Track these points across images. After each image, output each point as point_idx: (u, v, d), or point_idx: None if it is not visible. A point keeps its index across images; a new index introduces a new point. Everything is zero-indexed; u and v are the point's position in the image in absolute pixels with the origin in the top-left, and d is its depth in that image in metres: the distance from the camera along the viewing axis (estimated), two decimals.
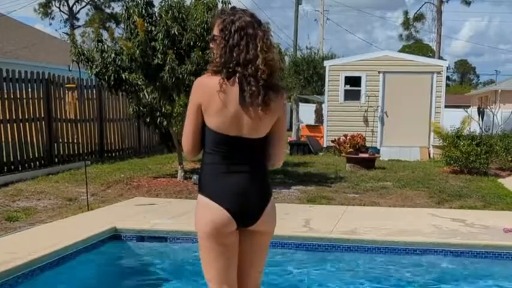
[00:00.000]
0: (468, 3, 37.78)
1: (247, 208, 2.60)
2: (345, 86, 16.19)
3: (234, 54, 2.49)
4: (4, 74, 9.84)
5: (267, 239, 2.78)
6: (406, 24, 42.03)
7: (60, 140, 11.42)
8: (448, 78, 47.42)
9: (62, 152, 11.39)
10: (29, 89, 10.51)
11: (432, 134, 14.51)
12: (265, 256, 2.84)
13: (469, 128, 12.15)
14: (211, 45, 2.66)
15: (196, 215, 2.66)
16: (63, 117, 11.52)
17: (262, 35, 2.54)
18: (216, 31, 2.60)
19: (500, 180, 10.71)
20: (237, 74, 2.49)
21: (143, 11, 8.81)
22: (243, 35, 2.51)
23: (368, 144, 14.94)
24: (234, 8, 2.65)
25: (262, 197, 2.66)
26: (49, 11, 47.19)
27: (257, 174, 2.65)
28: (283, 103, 2.64)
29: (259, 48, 2.50)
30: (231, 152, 2.58)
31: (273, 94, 2.54)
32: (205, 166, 2.63)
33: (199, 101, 2.55)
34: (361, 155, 12.62)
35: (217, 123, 2.54)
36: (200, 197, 2.64)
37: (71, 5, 46.54)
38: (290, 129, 24.29)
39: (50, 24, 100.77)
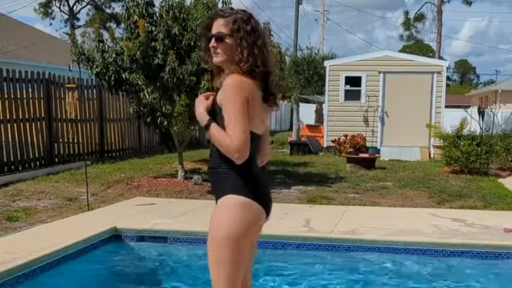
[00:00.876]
0: (469, 3, 37.74)
1: (270, 204, 2.81)
2: (345, 86, 16.19)
3: (257, 54, 2.56)
4: (4, 74, 9.84)
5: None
6: (407, 24, 42.01)
7: (61, 140, 11.42)
8: (448, 78, 47.50)
9: (62, 152, 11.39)
10: (29, 89, 10.51)
11: (432, 133, 14.52)
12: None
13: (469, 128, 12.14)
14: (213, 43, 2.61)
15: (230, 216, 2.57)
16: (64, 117, 11.52)
17: (266, 36, 2.68)
18: (225, 30, 2.58)
19: (500, 180, 10.71)
20: (262, 74, 2.59)
21: (143, 11, 8.80)
22: (258, 35, 2.59)
23: (368, 144, 14.93)
24: (231, 7, 2.70)
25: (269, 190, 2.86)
26: (49, 11, 47.19)
27: (263, 169, 2.84)
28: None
29: (267, 49, 2.62)
30: (255, 149, 2.65)
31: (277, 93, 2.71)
32: (237, 166, 2.56)
33: (247, 98, 2.51)
34: (361, 155, 12.62)
35: (253, 121, 2.57)
36: (236, 197, 2.58)
37: (71, 5, 46.55)
38: (290, 129, 24.29)
39: (51, 24, 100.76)
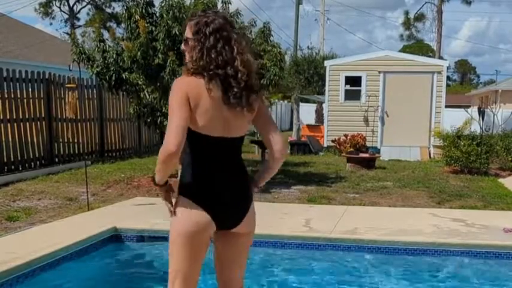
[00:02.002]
0: (469, 3, 37.75)
1: (228, 211, 2.63)
2: (345, 86, 16.19)
3: (212, 56, 2.52)
4: (4, 74, 9.84)
5: (249, 241, 2.81)
6: (407, 24, 42.02)
7: (61, 140, 11.42)
8: (448, 78, 47.48)
9: (62, 152, 11.39)
10: (30, 89, 10.51)
11: (433, 133, 14.53)
12: (246, 257, 2.88)
13: (470, 128, 12.15)
14: (183, 47, 2.67)
15: (176, 215, 2.71)
16: (64, 117, 11.52)
17: (237, 37, 2.59)
18: (188, 33, 2.61)
19: (500, 180, 10.71)
20: (219, 76, 2.52)
21: (144, 10, 8.80)
22: (219, 38, 2.54)
23: (368, 144, 14.92)
24: (205, 10, 2.68)
25: (245, 199, 2.69)
26: (49, 11, 47.24)
27: (238, 176, 2.68)
28: (260, 101, 2.69)
29: (235, 51, 2.55)
30: (213, 153, 2.60)
31: (254, 94, 2.59)
32: (187, 167, 2.62)
33: (188, 95, 2.50)
34: (361, 155, 12.62)
35: (201, 123, 2.53)
36: (182, 198, 2.64)
37: (71, 4, 46.57)
38: (291, 129, 24.28)
39: (51, 24, 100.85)
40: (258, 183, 2.82)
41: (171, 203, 2.69)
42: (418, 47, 51.35)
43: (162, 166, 2.53)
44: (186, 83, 2.54)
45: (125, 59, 8.67)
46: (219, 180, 2.61)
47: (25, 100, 10.32)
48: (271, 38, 9.51)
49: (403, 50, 46.11)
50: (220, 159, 2.61)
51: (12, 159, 9.83)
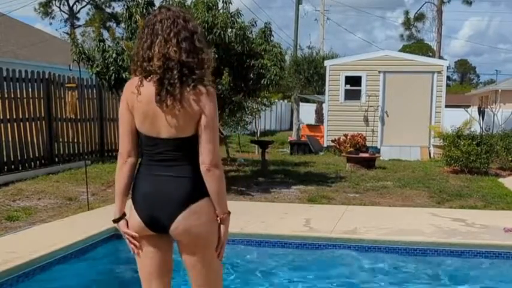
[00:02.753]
0: (469, 3, 37.72)
1: (153, 213, 2.49)
2: (345, 86, 16.19)
3: (141, 52, 2.44)
4: (4, 74, 9.83)
5: (196, 252, 2.50)
6: (407, 24, 42.01)
7: (61, 140, 11.41)
8: (448, 78, 47.48)
9: (62, 152, 11.38)
10: (29, 89, 10.50)
11: (433, 133, 14.52)
12: (205, 274, 2.55)
13: (469, 128, 12.14)
14: None
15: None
16: (64, 116, 11.51)
17: (169, 29, 2.40)
18: None
19: (500, 179, 10.71)
20: (157, 74, 2.40)
21: (144, 10, 8.79)
22: (149, 32, 2.44)
23: (368, 144, 14.93)
24: (169, 8, 2.50)
25: (179, 202, 2.44)
26: (49, 11, 47.21)
27: (178, 178, 2.47)
28: (207, 99, 2.43)
29: (157, 44, 2.40)
30: (153, 153, 2.53)
31: (191, 91, 2.40)
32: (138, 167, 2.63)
33: (126, 100, 2.50)
34: (361, 155, 12.62)
35: (139, 123, 2.49)
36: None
37: (71, 4, 46.55)
38: (290, 128, 24.29)
39: (50, 23, 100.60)
40: (217, 211, 2.48)
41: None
42: (418, 47, 51.35)
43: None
44: (126, 86, 2.54)
45: (125, 58, 8.67)
46: (151, 181, 2.52)
47: (25, 100, 10.31)
48: (272, 38, 9.51)
49: (403, 49, 46.11)
50: (158, 160, 2.50)
51: (12, 159, 9.82)
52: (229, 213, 2.52)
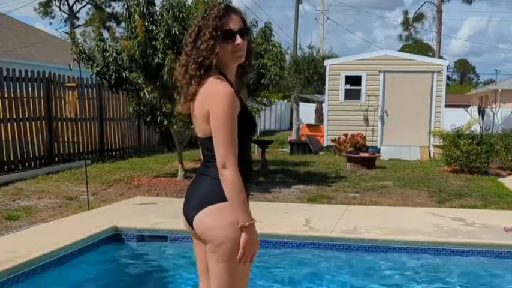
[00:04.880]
0: (469, 2, 37.72)
1: (184, 209, 2.56)
2: (345, 85, 16.19)
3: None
4: (4, 73, 9.84)
5: (209, 250, 2.46)
6: (406, 24, 42.00)
7: (61, 139, 11.42)
8: (448, 77, 47.45)
9: (62, 151, 11.39)
10: (30, 88, 10.51)
11: (432, 133, 14.53)
12: (213, 274, 2.48)
13: (469, 128, 12.15)
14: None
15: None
16: (64, 116, 11.52)
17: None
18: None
19: (500, 179, 10.71)
20: None
21: (144, 10, 8.79)
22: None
23: (368, 144, 14.94)
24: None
25: (198, 201, 2.46)
26: (49, 10, 47.22)
27: (199, 177, 2.54)
28: (209, 95, 2.39)
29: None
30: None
31: (190, 88, 2.47)
32: None
33: None
34: (361, 155, 12.62)
35: None
36: None
37: (71, 4, 46.55)
38: (290, 128, 24.27)
39: (50, 23, 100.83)
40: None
41: None
42: (418, 47, 51.38)
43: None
44: None
45: (124, 57, 8.67)
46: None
47: (25, 99, 10.32)
48: (272, 38, 9.51)
49: (403, 49, 46.15)
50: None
51: (12, 159, 9.83)
52: (249, 224, 2.35)
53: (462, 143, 11.24)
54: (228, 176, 2.32)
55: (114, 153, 13.40)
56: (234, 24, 2.44)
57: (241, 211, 2.34)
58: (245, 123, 2.42)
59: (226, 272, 2.42)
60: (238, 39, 2.42)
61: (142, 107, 9.30)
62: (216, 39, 2.40)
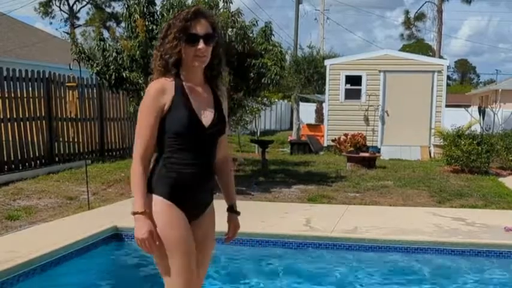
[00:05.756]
0: (469, 2, 37.71)
1: None
2: (345, 85, 16.18)
3: None
4: (5, 73, 9.82)
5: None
6: (407, 23, 42.00)
7: (61, 139, 11.41)
8: (448, 77, 47.49)
9: (62, 151, 11.38)
10: (30, 88, 10.49)
11: (433, 133, 14.51)
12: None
13: (470, 128, 12.15)
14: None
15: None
16: (64, 116, 11.51)
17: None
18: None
19: (501, 179, 10.71)
20: None
21: (145, 9, 8.78)
22: None
23: (369, 144, 14.92)
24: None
25: None
26: (49, 10, 47.21)
27: None
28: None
29: None
30: None
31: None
32: None
33: None
34: (361, 154, 12.61)
35: None
36: None
37: (71, 4, 46.54)
38: (290, 128, 24.27)
39: (51, 23, 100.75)
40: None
41: None
42: (418, 47, 51.36)
43: None
44: None
45: (124, 57, 8.66)
46: None
47: (25, 99, 10.31)
48: (272, 38, 9.50)
49: (403, 49, 46.13)
50: None
51: (12, 159, 9.82)
52: (135, 213, 2.58)
53: (462, 142, 11.24)
54: (132, 165, 2.52)
55: (114, 153, 13.38)
56: (200, 28, 2.49)
57: (135, 199, 2.53)
58: (171, 121, 2.47)
59: (168, 270, 2.69)
60: (201, 44, 2.47)
61: None
62: (179, 40, 2.47)
